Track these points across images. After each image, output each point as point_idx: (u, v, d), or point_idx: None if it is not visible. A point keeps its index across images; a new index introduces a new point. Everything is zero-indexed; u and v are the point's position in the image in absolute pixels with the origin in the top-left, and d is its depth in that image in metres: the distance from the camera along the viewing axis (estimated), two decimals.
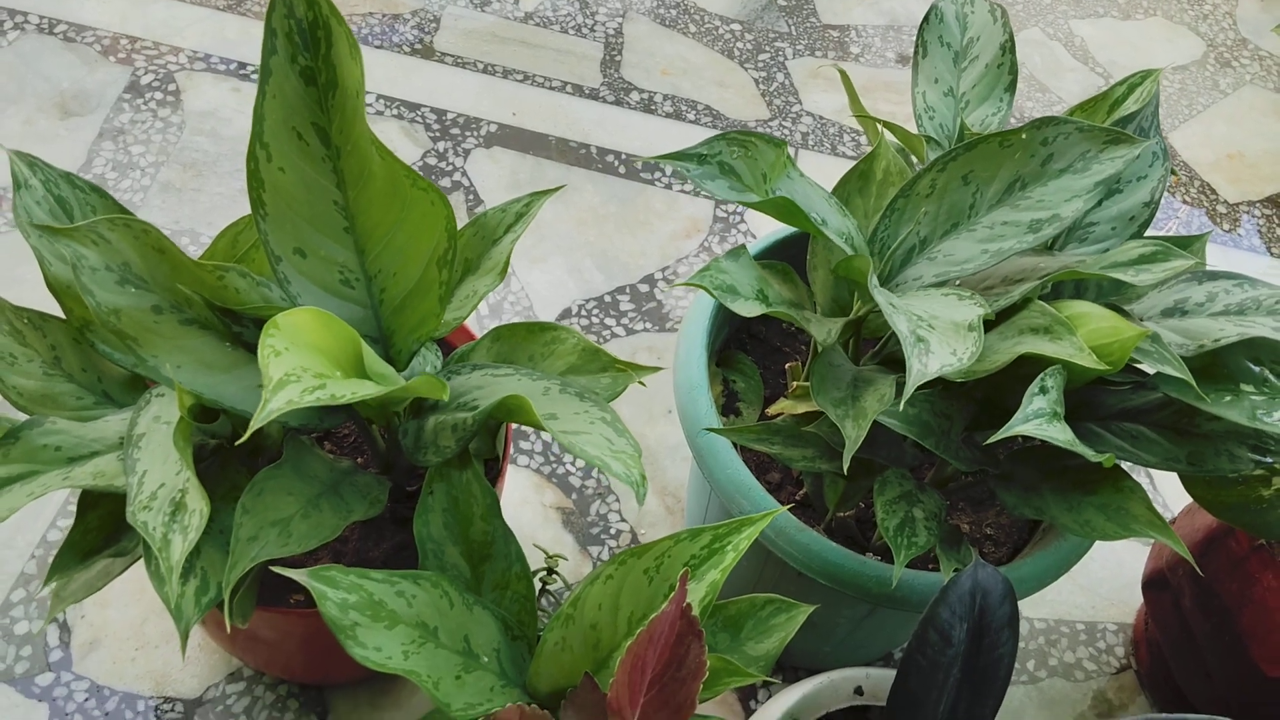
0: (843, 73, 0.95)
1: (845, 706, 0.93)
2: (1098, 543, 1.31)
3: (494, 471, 0.92)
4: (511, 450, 1.16)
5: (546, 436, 1.30)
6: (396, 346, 0.78)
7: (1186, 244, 0.98)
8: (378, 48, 1.64)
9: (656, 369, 0.80)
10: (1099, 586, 1.29)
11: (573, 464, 1.28)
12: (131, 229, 0.68)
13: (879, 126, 0.95)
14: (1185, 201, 1.74)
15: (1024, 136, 0.84)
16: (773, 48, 1.79)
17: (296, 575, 0.65)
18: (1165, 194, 1.69)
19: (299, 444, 0.78)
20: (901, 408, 0.79)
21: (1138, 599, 1.28)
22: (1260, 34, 2.08)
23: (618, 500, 1.26)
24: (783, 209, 0.78)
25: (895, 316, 0.69)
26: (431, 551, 0.75)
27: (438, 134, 1.55)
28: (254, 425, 0.55)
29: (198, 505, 0.67)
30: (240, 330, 0.73)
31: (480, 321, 1.37)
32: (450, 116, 1.58)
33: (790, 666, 1.18)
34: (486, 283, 0.86)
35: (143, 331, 0.70)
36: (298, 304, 0.72)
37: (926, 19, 1.00)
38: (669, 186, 1.57)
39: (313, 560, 0.90)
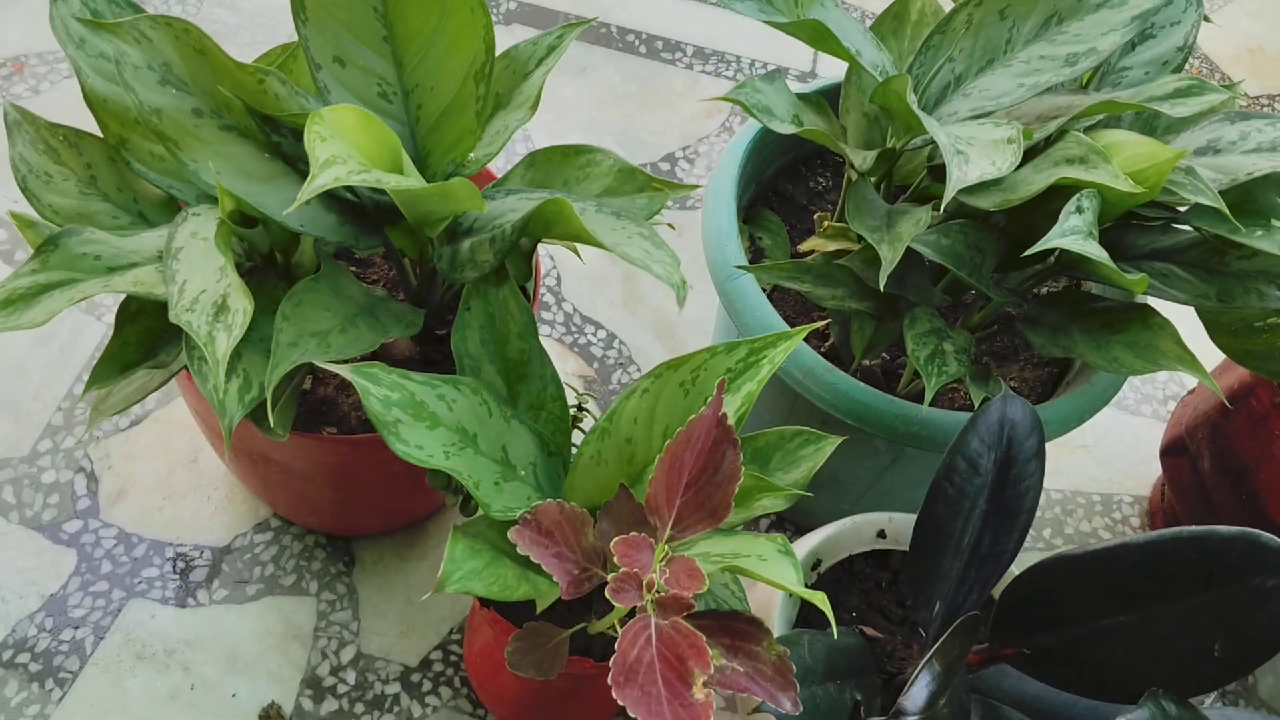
0: None
1: (868, 549, 0.95)
2: (1116, 417, 1.32)
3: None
4: (539, 300, 1.16)
5: (569, 307, 1.30)
6: (432, 167, 0.78)
7: (1230, 88, 0.98)
8: None
9: (692, 186, 0.80)
10: (1115, 460, 1.30)
11: (594, 334, 1.29)
12: (173, 28, 0.68)
13: None
14: None
15: None
16: None
17: (341, 370, 0.66)
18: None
19: (335, 265, 0.79)
20: (933, 232, 0.80)
21: (1154, 472, 1.29)
22: None
23: (638, 369, 1.27)
24: (815, 32, 0.78)
25: (935, 130, 0.69)
26: (469, 367, 0.75)
27: None
28: (303, 194, 0.55)
29: (241, 305, 0.68)
30: (279, 140, 0.73)
31: None
32: None
33: (809, 527, 1.19)
34: (517, 118, 0.85)
35: (183, 134, 0.70)
36: None
37: None
38: (689, 67, 1.56)
39: (344, 396, 0.91)
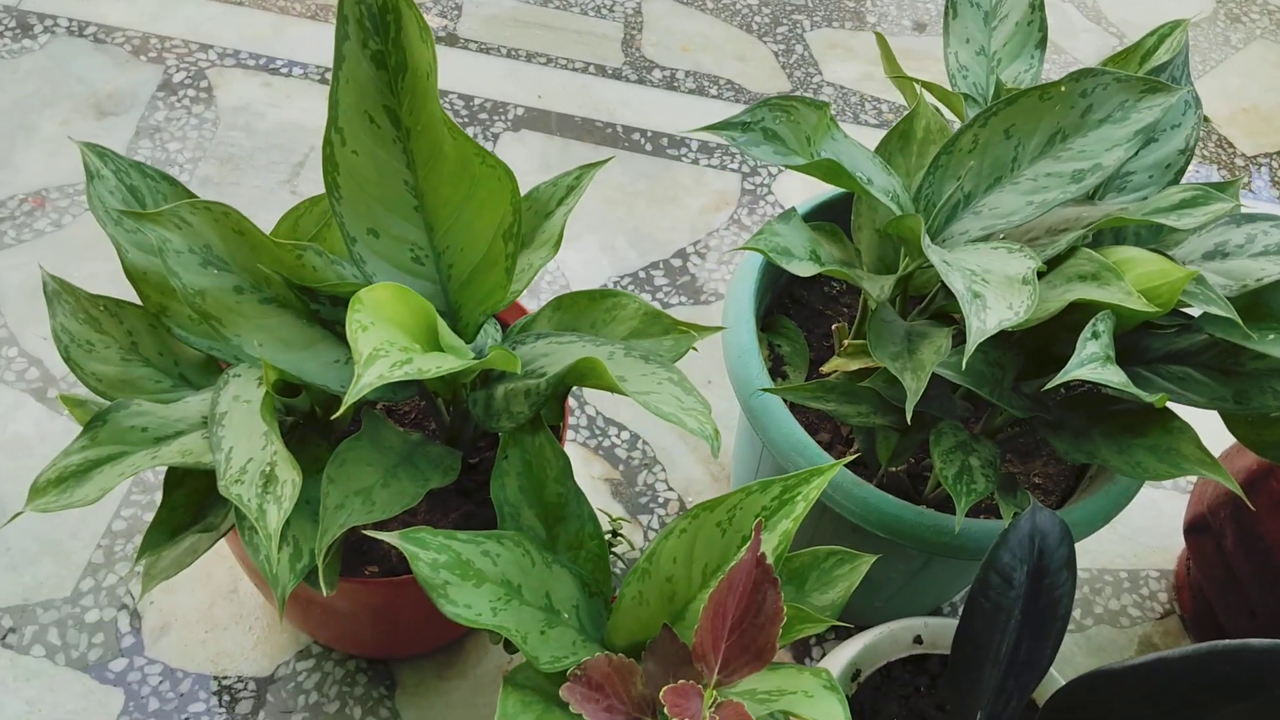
0: (880, 36, 0.96)
1: (905, 655, 0.96)
2: (1140, 494, 1.33)
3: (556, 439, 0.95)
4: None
5: (591, 410, 1.32)
6: (464, 320, 0.80)
7: (1221, 189, 1.00)
8: None
9: (717, 328, 0.82)
10: (1140, 535, 1.32)
11: (618, 436, 1.30)
12: (212, 212, 0.70)
13: (917, 86, 0.97)
14: (1203, 157, 1.75)
15: (1063, 89, 0.86)
16: (790, 20, 1.81)
17: (389, 538, 0.67)
18: None
19: (374, 417, 0.81)
20: (965, 364, 0.82)
21: (1178, 545, 1.30)
22: None
23: (663, 470, 1.29)
24: (829, 170, 0.80)
25: (951, 274, 0.71)
26: (509, 514, 0.77)
27: (466, 119, 1.57)
28: (349, 399, 0.57)
29: (289, 475, 0.70)
30: (317, 308, 0.75)
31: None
32: (478, 102, 1.60)
33: (843, 622, 1.20)
34: (541, 255, 0.88)
35: (225, 311, 0.72)
36: (372, 281, 0.74)
37: None
38: (695, 162, 1.59)
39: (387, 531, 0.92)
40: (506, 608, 0.71)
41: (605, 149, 1.57)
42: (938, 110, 1.02)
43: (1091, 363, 0.74)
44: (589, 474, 1.27)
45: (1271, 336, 0.84)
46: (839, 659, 0.95)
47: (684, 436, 1.32)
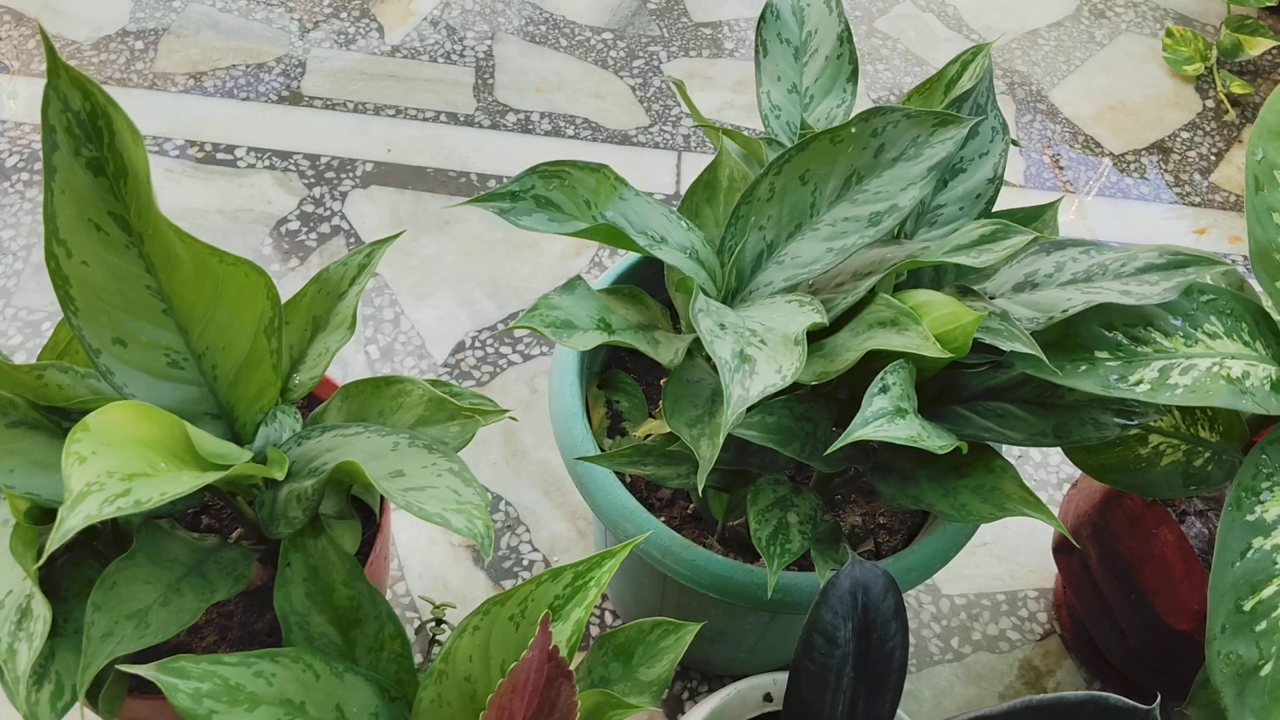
0: (678, 85, 0.94)
1: (757, 715, 0.93)
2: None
3: (374, 526, 0.91)
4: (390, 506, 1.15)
5: None
6: (240, 420, 0.77)
7: (1039, 213, 0.99)
8: (244, 100, 1.62)
9: (504, 411, 0.80)
10: (1016, 555, 1.30)
11: None
12: None
13: (721, 135, 0.95)
14: (1070, 160, 1.75)
15: (854, 130, 0.84)
16: (646, 53, 1.79)
17: (143, 671, 0.64)
18: (1058, 149, 1.71)
19: (154, 528, 0.77)
20: (758, 412, 0.79)
21: (1054, 565, 1.29)
22: None
23: (527, 530, 1.25)
24: (609, 234, 0.78)
25: (716, 344, 0.68)
26: (296, 624, 0.74)
27: (313, 180, 1.53)
28: (50, 546, 0.53)
29: (41, 612, 0.66)
30: (69, 425, 0.71)
31: (373, 366, 1.36)
32: (324, 160, 1.56)
33: (714, 675, 1.18)
34: (337, 339, 0.84)
35: None
36: (124, 393, 0.70)
37: (763, 17, 1.00)
38: None
39: (197, 638, 0.88)
40: None
41: (459, 199, 1.54)
42: (747, 158, 1.00)
43: (878, 419, 0.72)
44: (449, 542, 1.23)
45: (1083, 368, 0.82)
46: None
47: (548, 493, 1.29)
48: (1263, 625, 0.80)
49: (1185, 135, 1.81)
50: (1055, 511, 1.26)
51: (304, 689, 0.69)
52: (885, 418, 0.72)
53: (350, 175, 1.55)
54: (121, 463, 0.61)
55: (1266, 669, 0.79)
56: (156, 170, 1.52)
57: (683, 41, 1.82)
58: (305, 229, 1.47)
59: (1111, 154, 1.77)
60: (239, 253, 0.84)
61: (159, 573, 0.75)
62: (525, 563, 1.23)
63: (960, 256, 0.82)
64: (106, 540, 0.80)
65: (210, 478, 0.62)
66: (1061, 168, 1.72)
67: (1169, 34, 1.90)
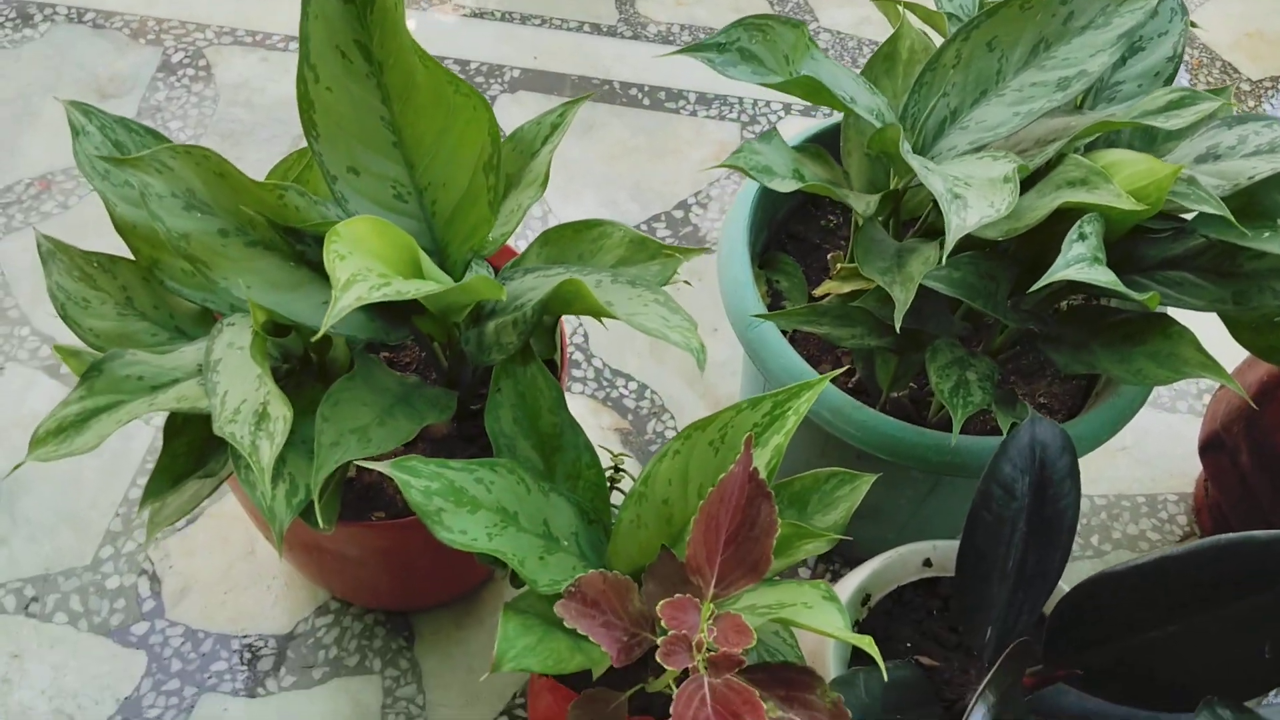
0: None
1: (915, 579, 0.96)
2: (1153, 416, 1.32)
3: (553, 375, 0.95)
4: (568, 363, 1.19)
5: (598, 363, 1.32)
6: (451, 257, 0.80)
7: (1217, 94, 0.99)
8: None
9: (702, 250, 0.82)
10: (1157, 460, 1.31)
11: (625, 387, 1.31)
12: (192, 155, 0.71)
13: (899, 7, 0.96)
14: (1208, 83, 1.73)
15: None
16: None
17: (381, 467, 0.68)
18: (1188, 76, 1.69)
19: (368, 359, 0.81)
20: (945, 267, 0.81)
21: (1196, 469, 1.29)
22: None
23: (672, 417, 1.29)
24: (808, 88, 0.80)
25: (930, 177, 0.71)
26: (505, 446, 0.78)
27: None
28: (328, 320, 0.57)
29: (280, 412, 0.70)
30: (303, 249, 0.76)
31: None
32: (474, 66, 1.60)
33: (856, 559, 1.20)
34: (529, 195, 0.88)
35: (212, 255, 0.73)
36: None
37: None
38: (694, 114, 1.59)
39: (390, 479, 0.93)
40: (503, 533, 0.71)
41: (603, 105, 1.57)
42: (925, 34, 1.01)
43: (1079, 263, 0.74)
44: (599, 425, 1.27)
45: (1267, 234, 0.83)
46: (848, 585, 0.95)
47: (691, 383, 1.32)
48: None
49: None
50: (1204, 414, 1.26)
51: (517, 500, 0.73)
52: (1085, 262, 0.73)
53: (499, 80, 1.58)
54: (373, 264, 0.65)
55: None
56: None
57: None
58: None
59: (1249, 79, 1.75)
60: None
61: (374, 398, 0.79)
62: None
63: (1150, 119, 0.83)
64: (317, 374, 0.85)
65: (448, 285, 0.66)
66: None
67: None
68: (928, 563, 0.95)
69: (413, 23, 1.65)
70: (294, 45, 1.61)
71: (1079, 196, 0.79)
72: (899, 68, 0.96)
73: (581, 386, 1.30)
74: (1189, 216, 0.86)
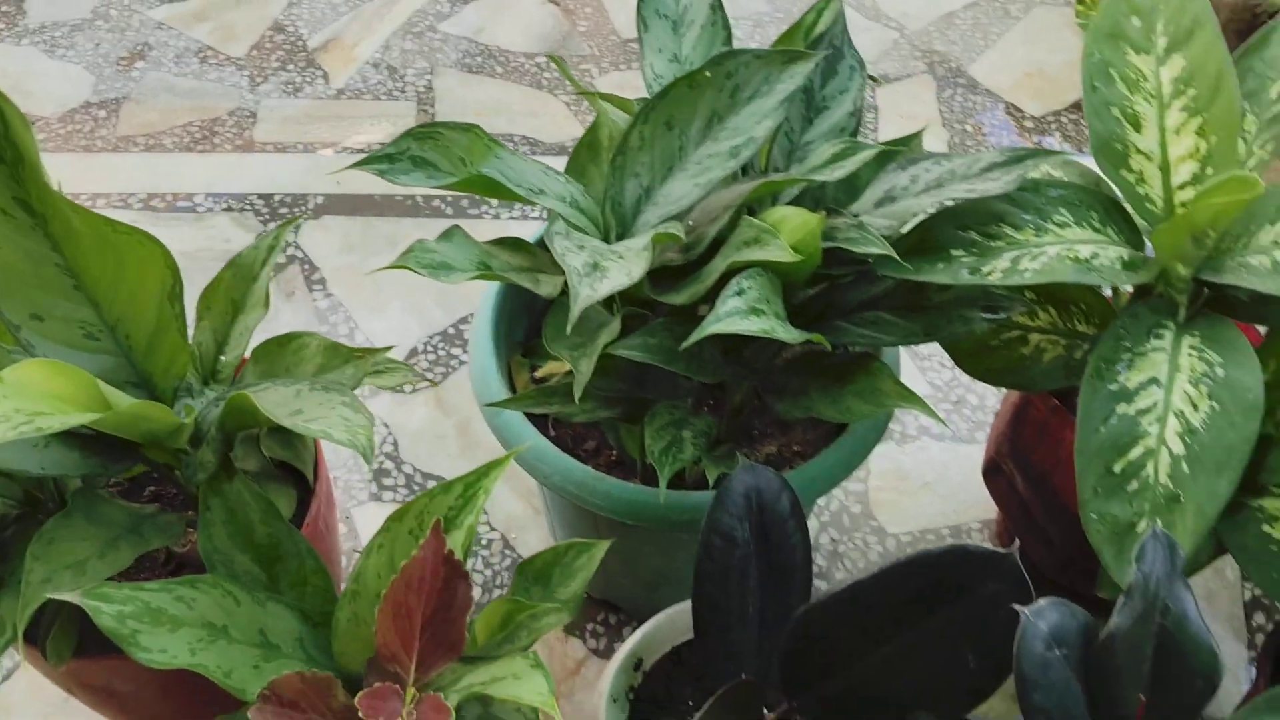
0: (557, 60, 1.01)
1: (688, 639, 0.98)
2: (952, 449, 1.37)
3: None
4: (326, 474, 1.21)
5: (408, 469, 1.35)
6: (159, 388, 0.83)
7: (906, 142, 1.05)
8: (201, 152, 1.71)
9: (387, 348, 0.86)
10: (958, 492, 1.35)
11: None
12: None
13: (597, 100, 1.02)
14: (993, 125, 1.82)
15: (709, 74, 0.91)
16: (579, 70, 1.87)
17: (69, 597, 0.70)
18: (980, 118, 1.77)
19: (90, 494, 0.84)
20: (640, 335, 0.85)
21: None
22: None
23: (485, 514, 1.31)
24: (484, 185, 0.85)
25: (569, 256, 0.75)
26: (220, 562, 0.80)
27: (267, 217, 1.62)
28: None
29: None
30: None
31: None
32: (277, 198, 1.65)
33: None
34: (254, 317, 0.91)
35: None
36: None
37: None
38: (497, 217, 1.64)
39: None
40: (210, 647, 0.73)
41: (406, 220, 1.62)
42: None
43: (733, 315, 0.78)
44: None
45: (940, 266, 0.88)
46: (619, 653, 0.97)
47: (504, 478, 1.35)
48: (1133, 485, 0.84)
49: None
50: (986, 442, 1.30)
51: (225, 614, 0.75)
52: (739, 315, 0.78)
53: (303, 208, 1.63)
54: (30, 405, 0.68)
55: (1141, 525, 0.84)
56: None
57: (613, 58, 1.91)
58: None
59: (1033, 117, 1.84)
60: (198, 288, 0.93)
61: (96, 531, 0.81)
62: (484, 542, 1.28)
63: (815, 175, 0.88)
64: (50, 513, 0.86)
65: (102, 415, 0.69)
66: (985, 135, 1.79)
67: (1080, 0, 1.97)
68: None
69: (218, 167, 1.70)
70: (134, 202, 1.65)
71: (752, 254, 0.83)
72: (602, 153, 1.01)
73: (393, 494, 1.33)
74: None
